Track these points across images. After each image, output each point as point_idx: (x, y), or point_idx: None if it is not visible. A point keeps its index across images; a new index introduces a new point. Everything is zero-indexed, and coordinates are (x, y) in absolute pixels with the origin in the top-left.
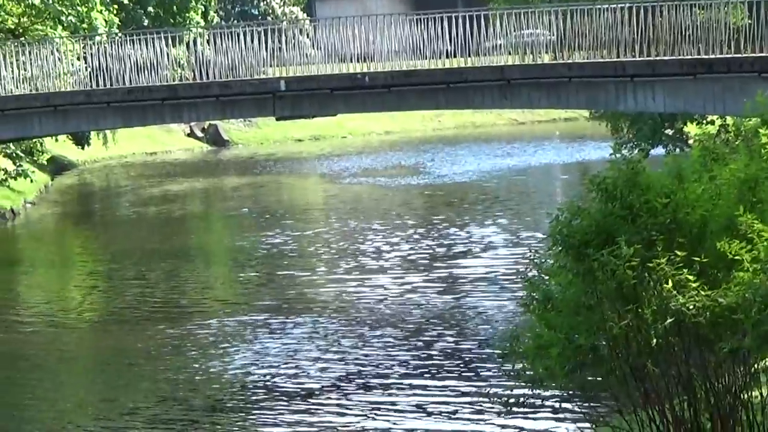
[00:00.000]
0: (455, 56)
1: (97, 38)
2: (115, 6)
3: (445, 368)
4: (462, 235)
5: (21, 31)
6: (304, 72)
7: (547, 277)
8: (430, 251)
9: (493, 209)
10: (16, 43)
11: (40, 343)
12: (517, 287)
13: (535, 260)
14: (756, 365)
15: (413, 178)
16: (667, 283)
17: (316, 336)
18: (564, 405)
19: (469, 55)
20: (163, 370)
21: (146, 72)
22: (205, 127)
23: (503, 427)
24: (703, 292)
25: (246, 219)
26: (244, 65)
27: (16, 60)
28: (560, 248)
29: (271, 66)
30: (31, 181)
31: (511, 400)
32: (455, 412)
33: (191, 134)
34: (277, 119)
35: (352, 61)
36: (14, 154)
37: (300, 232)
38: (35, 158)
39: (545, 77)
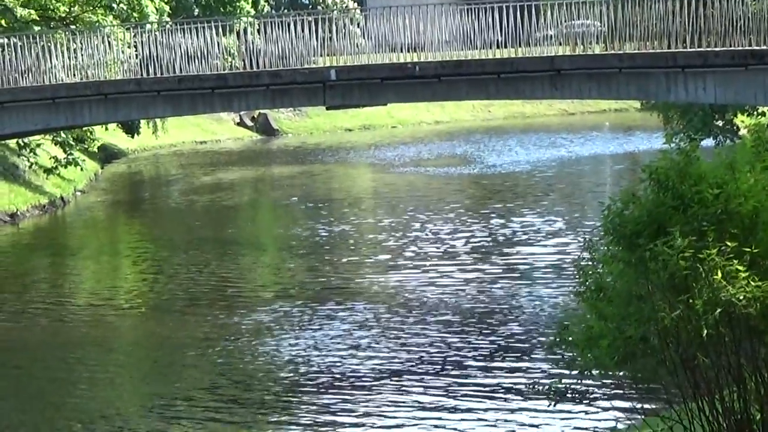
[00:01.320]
0: (506, 46)
1: (148, 27)
2: None
3: (495, 356)
4: (512, 225)
5: (72, 19)
6: (354, 61)
7: (600, 266)
8: (480, 241)
9: (543, 199)
10: (66, 32)
11: (91, 331)
12: (567, 276)
13: (588, 249)
14: None
15: (463, 167)
16: (718, 274)
17: (366, 324)
18: (614, 395)
19: (520, 46)
20: (213, 357)
21: (196, 61)
22: (255, 116)
23: (552, 416)
24: (753, 283)
25: (295, 208)
26: (294, 55)
27: (67, 48)
28: (612, 238)
29: (321, 55)
30: (82, 169)
31: (560, 390)
32: (505, 400)
33: (241, 123)
34: (327, 108)
35: (402, 51)
36: (65, 143)
37: (350, 221)
38: (86, 146)
39: (596, 68)
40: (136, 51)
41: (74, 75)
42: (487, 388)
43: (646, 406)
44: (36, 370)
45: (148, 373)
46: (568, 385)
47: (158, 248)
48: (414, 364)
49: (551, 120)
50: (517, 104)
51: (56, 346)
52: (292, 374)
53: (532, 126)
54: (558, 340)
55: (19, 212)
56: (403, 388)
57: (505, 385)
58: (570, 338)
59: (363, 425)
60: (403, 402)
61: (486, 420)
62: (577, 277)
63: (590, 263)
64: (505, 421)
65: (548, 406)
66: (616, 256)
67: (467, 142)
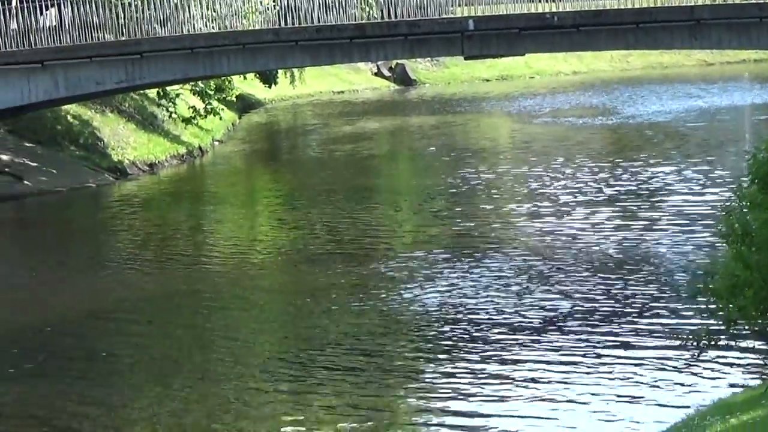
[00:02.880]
0: None
1: None
2: None
3: (637, 306)
4: (651, 175)
5: None
6: (492, 11)
7: (747, 211)
8: (619, 190)
9: (682, 149)
10: None
11: (229, 280)
12: (709, 226)
13: (736, 193)
14: None
15: (601, 118)
16: None
17: (506, 274)
18: (757, 346)
19: None
20: (352, 306)
21: (334, 11)
22: (393, 66)
23: (695, 366)
24: None
25: (433, 158)
26: (432, 4)
27: None
28: (758, 186)
29: (459, 5)
30: (220, 119)
31: (703, 341)
32: (647, 350)
33: (378, 73)
34: (465, 59)
35: (540, 1)
36: (203, 92)
37: (488, 170)
38: (224, 96)
39: (736, 17)
40: (274, 1)
41: (213, 25)
42: (628, 338)
43: None
44: (175, 319)
45: (287, 322)
46: (711, 336)
47: (296, 198)
48: (555, 313)
49: (689, 70)
50: (655, 54)
51: (195, 295)
52: (431, 323)
53: (670, 76)
54: (701, 289)
55: (157, 162)
56: (544, 339)
57: (646, 335)
58: (714, 287)
59: (502, 375)
60: (544, 352)
61: (627, 371)
62: (722, 219)
63: (737, 206)
64: (648, 372)
65: (692, 356)
66: (762, 203)
67: (605, 93)
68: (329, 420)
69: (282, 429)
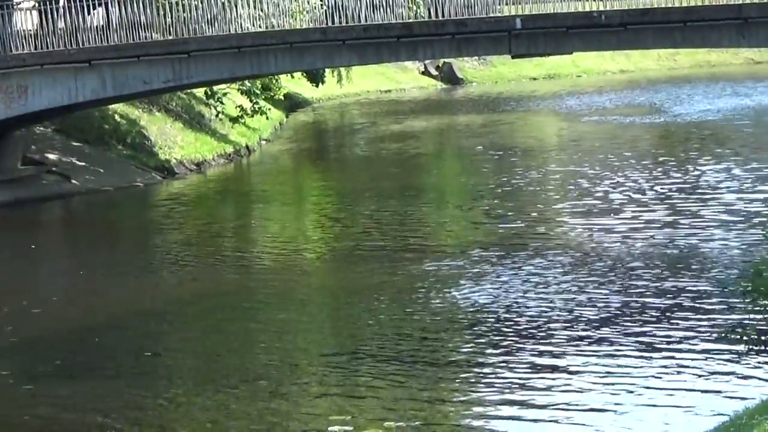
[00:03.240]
0: None
1: None
2: None
3: (687, 303)
4: (699, 173)
5: None
6: (539, 10)
7: None
8: (667, 189)
9: (729, 148)
10: None
11: (275, 279)
12: (758, 225)
13: None
14: None
15: (648, 116)
16: None
17: (554, 273)
18: None
19: None
20: (398, 305)
21: (381, 10)
22: (440, 65)
23: (744, 365)
24: None
25: (481, 157)
26: (479, 3)
27: None
28: None
29: (506, 4)
30: (267, 118)
31: (752, 338)
32: (697, 347)
33: (425, 72)
34: (513, 57)
35: (588, 0)
36: (250, 91)
37: (535, 169)
38: (271, 95)
39: None
40: (321, 0)
41: (260, 24)
42: (677, 335)
43: None
44: (223, 317)
45: (335, 321)
46: (760, 334)
47: (343, 197)
48: (605, 310)
49: (737, 69)
50: (702, 53)
51: (243, 294)
52: (480, 321)
53: (717, 75)
54: (751, 287)
55: (205, 161)
56: (595, 335)
57: (696, 332)
58: (763, 288)
59: (554, 370)
60: (596, 347)
61: (678, 368)
62: None
63: None
64: (699, 368)
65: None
66: None
67: (652, 91)
68: (378, 418)
69: (330, 428)
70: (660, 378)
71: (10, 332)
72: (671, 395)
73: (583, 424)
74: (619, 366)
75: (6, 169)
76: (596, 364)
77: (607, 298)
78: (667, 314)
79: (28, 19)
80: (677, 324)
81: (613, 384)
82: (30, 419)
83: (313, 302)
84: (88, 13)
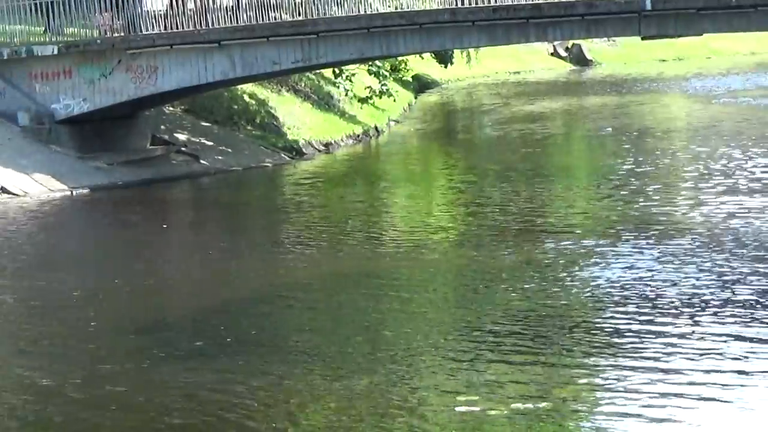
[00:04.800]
0: None
1: None
2: None
3: None
4: None
5: None
6: None
7: None
8: None
9: None
10: None
11: (401, 259)
12: None
13: None
14: None
15: None
16: None
17: (682, 256)
18: None
19: None
20: (522, 286)
21: None
22: (569, 46)
23: None
24: None
25: (609, 139)
26: None
27: None
28: None
29: None
30: (395, 99)
31: None
32: None
33: (554, 53)
34: (642, 39)
35: None
36: (379, 72)
37: (665, 151)
38: (399, 76)
39: None
40: None
41: (389, 5)
42: None
43: None
44: (348, 298)
45: (460, 303)
46: None
47: (470, 177)
48: (735, 295)
49: None
50: None
51: (368, 275)
52: (605, 304)
53: None
54: None
55: (333, 141)
56: (724, 319)
57: None
58: None
59: (681, 356)
60: (723, 329)
61: None
62: None
63: None
64: None
65: None
66: None
67: None
68: (502, 400)
69: (456, 408)
70: None
71: (141, 311)
72: None
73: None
74: (748, 349)
75: (135, 149)
76: (724, 348)
77: (737, 284)
78: None
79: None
80: None
81: (742, 367)
82: (164, 399)
83: (441, 282)
84: None
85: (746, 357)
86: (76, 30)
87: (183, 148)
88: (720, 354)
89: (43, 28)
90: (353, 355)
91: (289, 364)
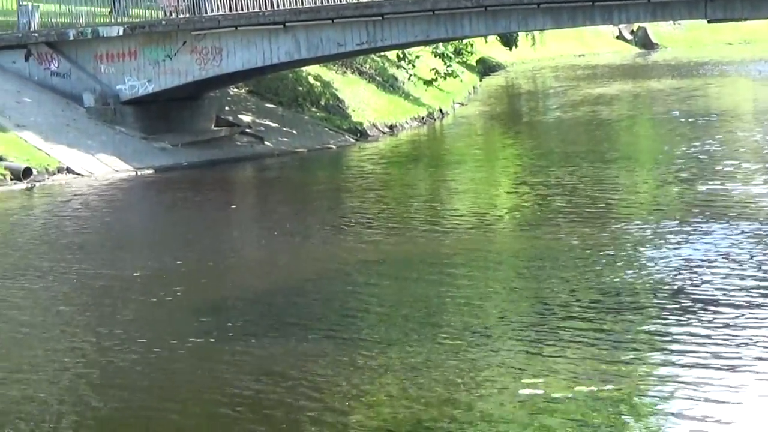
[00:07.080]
0: None
1: None
2: None
3: None
4: None
5: None
6: None
7: None
8: None
9: None
10: None
11: (463, 243)
12: None
13: None
14: None
15: None
16: None
17: (746, 241)
18: None
19: None
20: (583, 269)
21: None
22: (634, 29)
23: None
24: None
25: (676, 122)
26: None
27: None
28: None
29: None
30: (460, 81)
31: None
32: None
33: (620, 36)
34: (709, 22)
35: None
36: (444, 55)
37: (731, 135)
38: (464, 59)
39: None
40: None
41: None
42: None
43: None
44: (414, 278)
45: (523, 283)
46: None
47: (534, 160)
48: None
49: None
50: None
51: (432, 255)
52: (668, 287)
53: None
54: None
55: (397, 123)
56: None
57: None
58: None
59: (744, 341)
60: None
61: None
62: None
63: None
64: None
65: None
66: None
67: None
68: (566, 382)
69: (520, 390)
70: None
71: (209, 290)
72: None
73: None
74: None
75: (200, 130)
76: None
77: None
78: None
79: None
80: None
81: None
82: (232, 378)
83: (503, 264)
84: None
85: None
86: (141, 11)
87: (247, 130)
88: None
89: (109, 9)
90: (415, 337)
91: (347, 344)
